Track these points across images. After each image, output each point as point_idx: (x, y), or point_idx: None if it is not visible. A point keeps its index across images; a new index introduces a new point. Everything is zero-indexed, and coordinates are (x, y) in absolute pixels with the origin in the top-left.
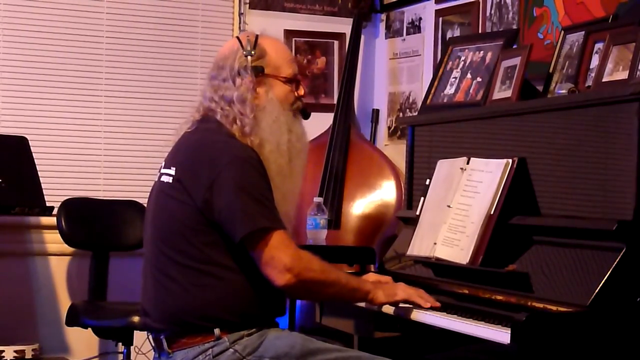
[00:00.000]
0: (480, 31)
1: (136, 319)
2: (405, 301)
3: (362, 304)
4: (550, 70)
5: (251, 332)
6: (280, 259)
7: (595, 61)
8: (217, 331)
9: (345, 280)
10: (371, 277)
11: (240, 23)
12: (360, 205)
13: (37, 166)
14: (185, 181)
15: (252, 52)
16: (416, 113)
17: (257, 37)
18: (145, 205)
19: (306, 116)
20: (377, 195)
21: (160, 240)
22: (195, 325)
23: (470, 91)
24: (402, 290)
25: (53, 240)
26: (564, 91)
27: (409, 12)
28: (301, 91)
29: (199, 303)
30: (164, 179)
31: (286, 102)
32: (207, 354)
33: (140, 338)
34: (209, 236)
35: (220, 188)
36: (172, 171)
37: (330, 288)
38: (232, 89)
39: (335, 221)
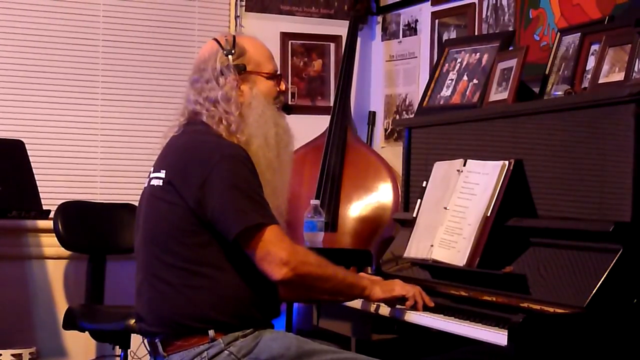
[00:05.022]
0: (476, 33)
1: (133, 322)
2: (402, 298)
3: (359, 306)
4: (547, 72)
5: (246, 334)
6: (276, 253)
7: (591, 63)
8: (211, 333)
9: (342, 276)
10: (364, 277)
11: (236, 26)
12: (357, 208)
13: (33, 170)
14: (176, 182)
15: (232, 51)
16: (413, 115)
17: (234, 36)
18: None
19: (288, 111)
20: (374, 198)
21: (152, 243)
22: (189, 327)
23: (467, 93)
24: (400, 287)
25: (50, 244)
26: (560, 93)
27: (405, 14)
28: (282, 86)
29: (192, 304)
30: (154, 182)
31: (270, 97)
32: (203, 357)
33: (137, 341)
34: (201, 237)
35: (211, 187)
36: (162, 174)
37: (327, 283)
38: (217, 89)
39: (332, 223)
